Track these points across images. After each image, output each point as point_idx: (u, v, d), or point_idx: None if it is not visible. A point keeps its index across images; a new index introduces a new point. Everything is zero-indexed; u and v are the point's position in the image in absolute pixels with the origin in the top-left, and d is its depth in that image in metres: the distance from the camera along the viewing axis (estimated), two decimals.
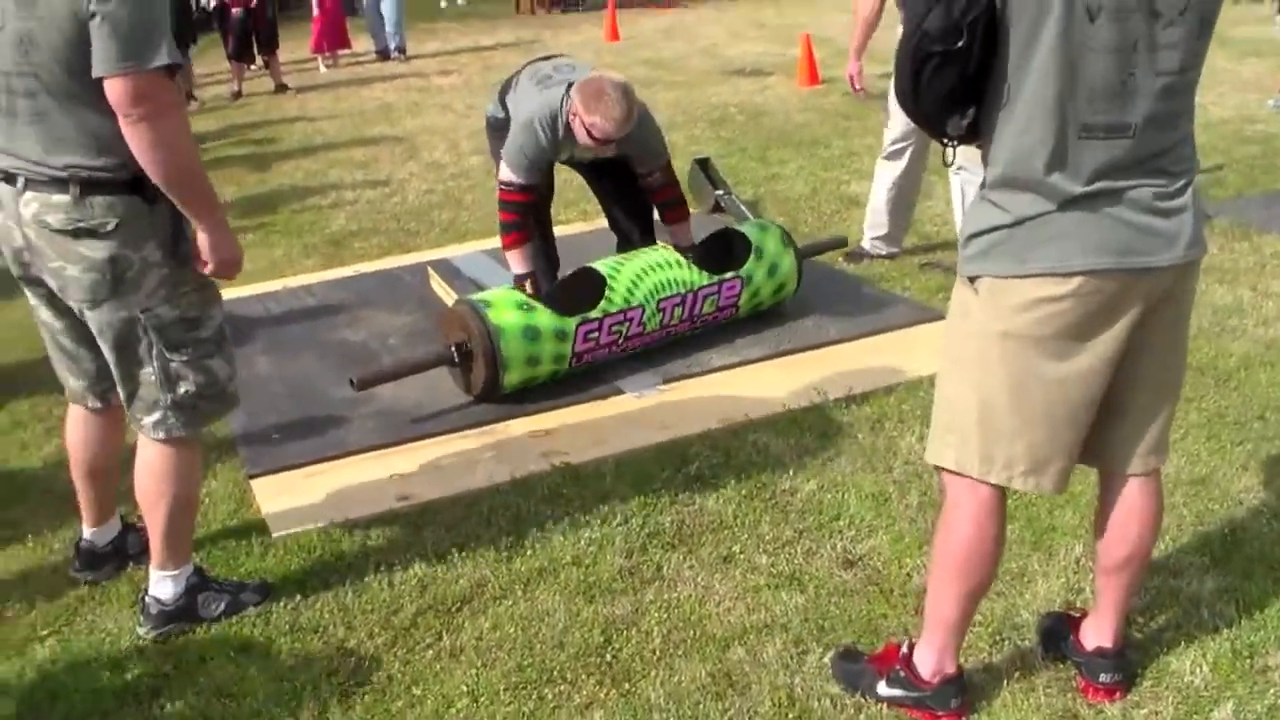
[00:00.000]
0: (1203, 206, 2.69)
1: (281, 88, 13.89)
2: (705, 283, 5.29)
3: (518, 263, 5.22)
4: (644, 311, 5.10)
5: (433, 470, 4.40)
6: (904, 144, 6.26)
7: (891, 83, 6.06)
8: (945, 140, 2.68)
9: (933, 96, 2.55)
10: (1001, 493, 2.79)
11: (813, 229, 7.17)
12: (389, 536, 3.95)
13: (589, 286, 5.09)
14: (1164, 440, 2.89)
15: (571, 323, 4.94)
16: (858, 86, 6.53)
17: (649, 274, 5.18)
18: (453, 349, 4.90)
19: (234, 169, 9.90)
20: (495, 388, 4.86)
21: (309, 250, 7.37)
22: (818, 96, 11.70)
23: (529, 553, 3.81)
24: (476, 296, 5.06)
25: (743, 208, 7.22)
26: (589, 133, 4.97)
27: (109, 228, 3.06)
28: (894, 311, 5.75)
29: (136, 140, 2.92)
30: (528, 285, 5.16)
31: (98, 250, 3.08)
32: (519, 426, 4.74)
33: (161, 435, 3.33)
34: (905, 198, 6.47)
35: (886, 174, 6.44)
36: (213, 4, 13.80)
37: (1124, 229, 2.53)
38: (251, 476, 4.42)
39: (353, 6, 17.34)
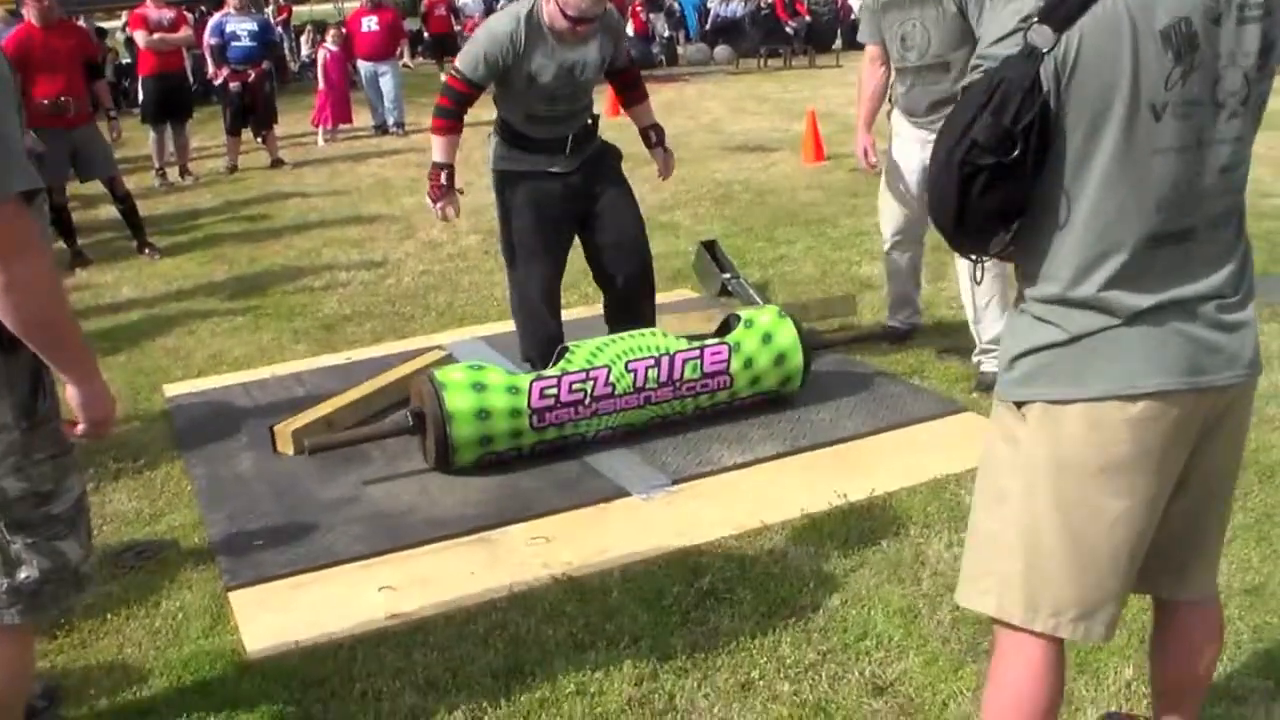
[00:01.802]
0: None
1: (277, 163, 13.72)
2: (681, 347, 5.06)
3: (440, 151, 5.37)
4: (610, 371, 4.88)
5: (424, 583, 4.08)
6: (902, 235, 6.08)
7: (884, 178, 6.21)
8: (980, 260, 2.41)
9: (981, 215, 2.27)
10: (1059, 641, 2.47)
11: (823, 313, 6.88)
12: (377, 659, 3.63)
13: (555, 360, 5.07)
14: (1218, 560, 2.66)
15: (527, 379, 4.81)
16: (871, 161, 6.22)
17: (618, 342, 5.05)
18: (409, 418, 4.89)
19: (226, 247, 9.67)
20: (448, 467, 4.80)
21: (299, 335, 7.09)
22: (823, 173, 11.48)
23: (529, 680, 3.48)
24: (438, 373, 4.87)
25: (751, 291, 6.99)
26: (561, 10, 4.88)
27: None
28: (913, 403, 5.46)
29: None
30: (443, 176, 5.34)
31: None
32: (518, 533, 4.41)
33: None
34: (919, 276, 6.35)
35: (896, 263, 6.22)
36: (217, 79, 13.60)
37: (1191, 345, 2.26)
38: (230, 589, 4.09)
39: (353, 80, 17.20)
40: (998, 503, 2.47)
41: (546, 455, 4.95)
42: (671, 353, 5.02)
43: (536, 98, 5.15)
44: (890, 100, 6.03)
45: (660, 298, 5.83)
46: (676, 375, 5.01)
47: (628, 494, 4.69)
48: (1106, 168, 2.19)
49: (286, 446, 5.15)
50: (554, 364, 5.01)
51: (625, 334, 5.14)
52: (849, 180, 10.97)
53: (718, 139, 13.81)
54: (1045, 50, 2.15)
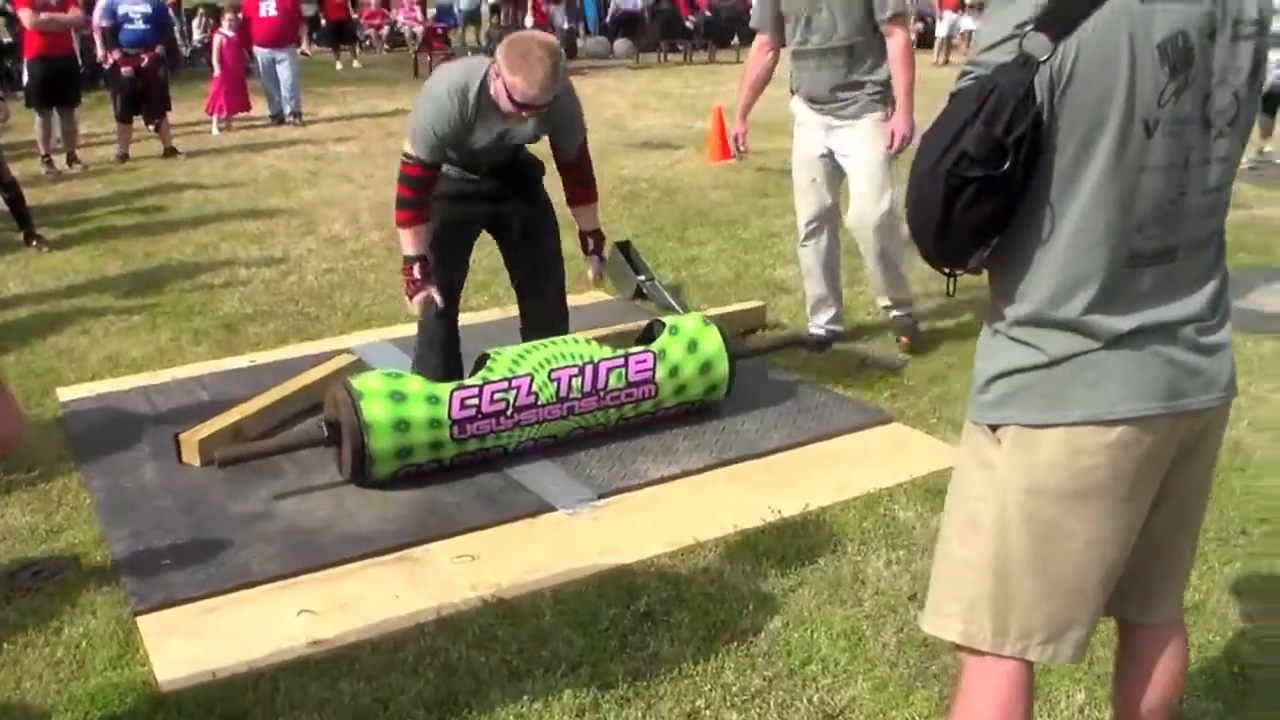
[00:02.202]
0: None
1: (171, 151, 13.29)
2: (605, 355, 4.91)
3: (411, 243, 4.91)
4: (533, 380, 4.72)
5: (346, 606, 3.88)
6: (817, 223, 6.12)
7: (794, 170, 6.21)
8: (953, 273, 2.30)
9: (964, 230, 2.16)
10: (1029, 666, 2.38)
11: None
12: (300, 690, 3.42)
13: (475, 368, 4.87)
14: (1186, 582, 2.62)
15: (446, 388, 4.62)
16: (741, 148, 6.40)
17: (541, 349, 4.88)
18: (323, 428, 4.72)
19: (119, 240, 9.29)
20: (365, 480, 4.61)
21: (199, 336, 6.80)
22: (731, 172, 11.38)
23: (464, 711, 3.31)
24: (354, 381, 4.65)
25: (666, 295, 6.87)
26: (509, 95, 4.58)
27: None
28: (838, 414, 5.36)
29: None
30: (416, 269, 4.90)
31: None
32: (441, 551, 4.22)
33: None
34: (837, 270, 6.32)
35: (812, 256, 6.20)
36: (107, 62, 13.13)
37: (1170, 369, 2.19)
38: (138, 613, 3.85)
39: (248, 67, 16.76)
40: (969, 528, 2.36)
41: (466, 467, 4.77)
42: (595, 361, 4.87)
43: (463, 153, 4.93)
44: (791, 90, 6.06)
45: (573, 300, 5.66)
46: (601, 384, 4.86)
47: (553, 509, 4.52)
48: (1095, 183, 2.09)
49: (192, 457, 4.92)
50: (475, 372, 4.82)
51: (547, 341, 4.98)
52: (757, 180, 10.90)
53: (621, 135, 13.64)
54: (1041, 59, 2.04)
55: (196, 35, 24.47)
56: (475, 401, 4.62)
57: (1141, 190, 2.09)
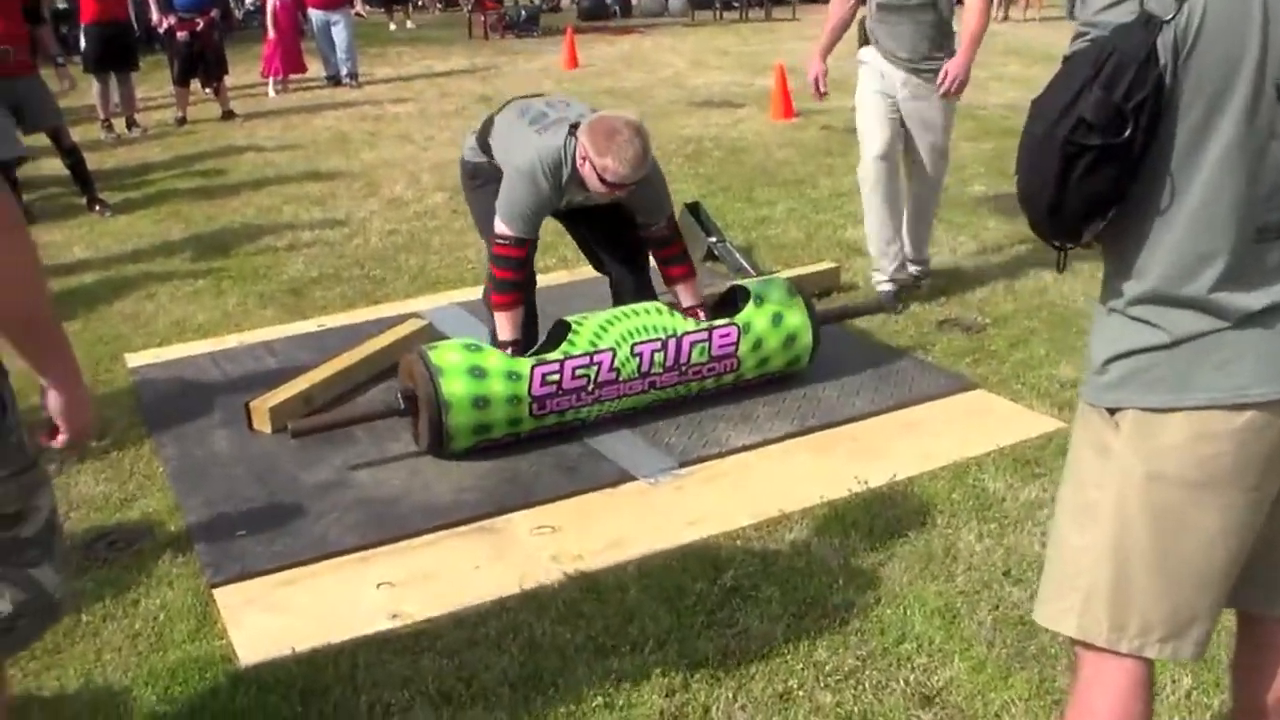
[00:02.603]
0: None
1: (228, 114, 13.25)
2: (690, 328, 4.77)
3: (507, 328, 4.69)
4: (615, 355, 4.59)
5: (426, 578, 3.79)
6: (886, 161, 6.05)
7: (862, 103, 6.10)
8: (1064, 248, 2.17)
9: (1080, 201, 2.02)
10: (1147, 663, 2.24)
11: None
12: (382, 666, 3.34)
13: (554, 339, 4.71)
14: None
15: (527, 364, 4.49)
16: (822, 89, 6.23)
17: (624, 319, 4.72)
18: (399, 399, 4.63)
19: (180, 203, 9.26)
20: (441, 454, 4.53)
21: (266, 299, 6.74)
22: (795, 130, 11.21)
23: (550, 691, 3.22)
24: (433, 354, 4.51)
25: (738, 256, 6.74)
26: (600, 177, 4.43)
27: None
28: (922, 380, 5.22)
29: None
30: (509, 351, 4.64)
31: None
32: (521, 521, 4.13)
33: None
34: (901, 207, 6.27)
35: (878, 193, 6.13)
36: (162, 26, 13.08)
37: None
38: (214, 585, 3.79)
39: (303, 29, 16.67)
40: (1085, 516, 2.23)
41: (543, 437, 4.67)
42: (679, 334, 4.74)
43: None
44: (863, 43, 6.06)
45: None
46: (683, 359, 4.74)
47: (633, 478, 4.42)
48: (1222, 152, 1.94)
49: (263, 424, 4.85)
50: (551, 341, 4.72)
51: (629, 310, 4.83)
52: (822, 138, 10.73)
53: (681, 94, 13.46)
54: (1165, 19, 1.90)
55: None
56: (556, 378, 4.52)
57: (1271, 159, 1.95)
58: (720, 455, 4.59)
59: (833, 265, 6.70)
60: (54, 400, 2.32)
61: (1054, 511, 2.35)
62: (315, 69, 16.00)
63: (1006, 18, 23.41)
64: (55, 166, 9.64)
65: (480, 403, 4.41)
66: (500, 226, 4.62)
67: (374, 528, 4.10)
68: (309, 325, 6.23)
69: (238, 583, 3.80)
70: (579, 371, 4.54)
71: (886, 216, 6.14)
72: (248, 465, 4.61)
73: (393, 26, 23.65)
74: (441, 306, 6.32)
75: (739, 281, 5.22)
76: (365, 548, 3.99)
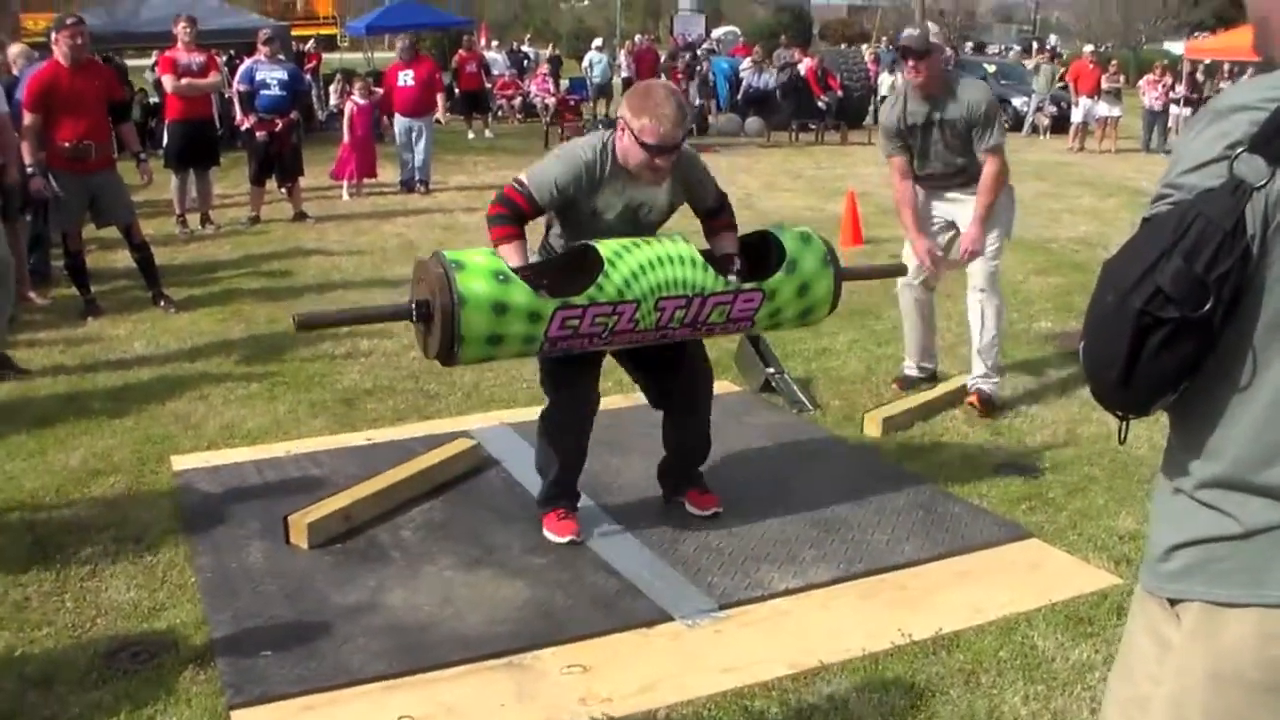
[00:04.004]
0: None
1: (301, 216, 13.40)
2: (719, 289, 4.64)
3: (515, 256, 4.54)
4: (638, 308, 4.48)
5: (449, 713, 3.68)
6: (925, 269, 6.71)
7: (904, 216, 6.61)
8: (1127, 418, 2.02)
9: (1153, 375, 1.87)
10: None
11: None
12: None
13: (582, 269, 4.55)
14: None
15: (550, 305, 4.37)
16: (937, 256, 6.69)
17: (656, 268, 4.52)
18: (413, 306, 4.49)
19: (244, 303, 9.33)
20: (449, 359, 4.44)
21: (317, 408, 6.71)
22: (864, 258, 11.12)
23: None
24: (452, 255, 4.43)
25: (795, 389, 6.67)
26: (640, 141, 4.43)
27: None
28: (975, 526, 5.08)
29: None
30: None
31: None
32: (551, 659, 4.01)
33: None
34: (932, 313, 7.12)
35: (911, 297, 6.91)
36: (244, 125, 13.32)
37: None
38: (233, 706, 3.69)
39: (379, 133, 16.88)
40: (1137, 711, 2.07)
41: (579, 568, 4.57)
42: (706, 295, 4.60)
43: (594, 233, 4.70)
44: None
45: None
46: (701, 318, 4.65)
47: (671, 618, 4.29)
48: None
49: (300, 539, 4.79)
50: (579, 260, 4.62)
51: (666, 252, 4.60)
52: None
53: (753, 215, 13.39)
54: (1257, 185, 1.78)
55: (333, 100, 24.90)
56: (575, 323, 4.43)
57: None
58: (762, 599, 4.45)
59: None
60: None
61: (1103, 699, 2.21)
62: (389, 174, 16.18)
63: (1081, 148, 23.41)
64: (125, 260, 9.77)
65: (499, 309, 4.31)
66: (526, 178, 4.63)
67: (401, 656, 3.99)
68: (358, 438, 6.18)
69: (258, 705, 3.71)
70: (599, 319, 4.45)
71: (916, 314, 7.00)
72: (280, 582, 4.53)
73: (471, 134, 23.96)
74: (492, 427, 6.25)
75: (777, 231, 5.05)
76: (390, 676, 3.88)
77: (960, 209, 6.58)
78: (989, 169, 6.34)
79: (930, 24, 6.72)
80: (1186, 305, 1.80)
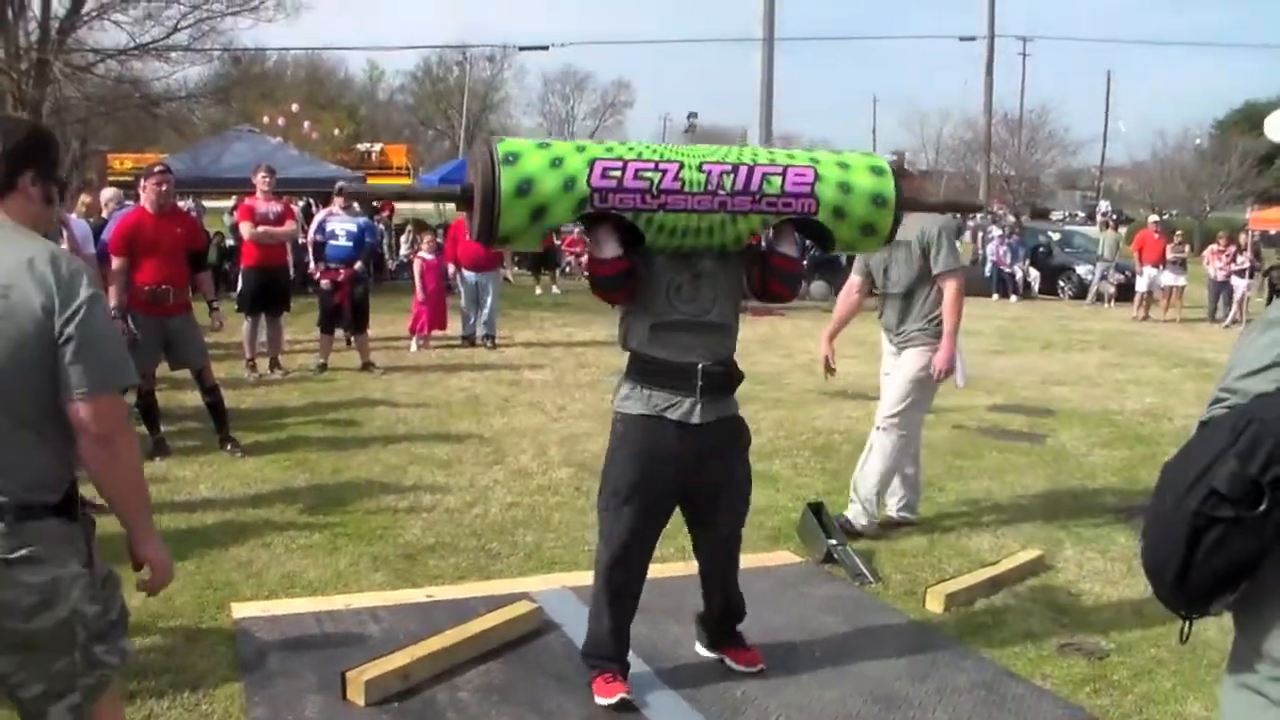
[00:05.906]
0: None
1: (368, 365, 13.58)
2: (762, 160, 4.70)
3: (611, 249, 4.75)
4: (681, 166, 4.53)
5: None
6: (898, 419, 7.43)
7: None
8: (1189, 617, 2.02)
9: (1209, 574, 1.89)
10: None
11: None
12: None
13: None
14: None
15: (585, 161, 4.51)
16: (832, 367, 7.88)
17: (690, 151, 4.71)
18: (461, 189, 4.74)
19: (309, 451, 9.41)
20: (490, 215, 4.47)
21: (378, 562, 6.73)
22: (926, 430, 11.08)
23: None
24: (505, 147, 4.52)
25: (857, 561, 6.63)
26: None
27: (41, 555, 3.04)
28: (1037, 710, 4.97)
29: (102, 459, 3.09)
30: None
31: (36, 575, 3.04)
32: None
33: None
34: (916, 459, 7.80)
35: (888, 439, 7.45)
36: (317, 274, 13.62)
37: None
38: None
39: (448, 284, 17.12)
40: None
41: None
42: (751, 165, 4.66)
43: (656, 290, 4.83)
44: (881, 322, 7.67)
45: (760, 559, 5.44)
46: (756, 187, 4.63)
47: None
48: None
49: (357, 696, 4.77)
50: None
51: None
52: (952, 439, 10.64)
53: (815, 381, 13.40)
54: None
55: (404, 250, 25.35)
56: (618, 174, 4.48)
57: None
58: None
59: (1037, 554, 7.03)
60: (147, 553, 3.42)
61: None
62: (453, 326, 16.40)
63: (1146, 317, 23.39)
64: (194, 399, 9.97)
65: (542, 146, 4.51)
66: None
67: None
68: (418, 594, 6.17)
69: None
70: (642, 173, 4.49)
71: (897, 456, 7.55)
72: None
73: (538, 290, 24.28)
74: (553, 589, 6.23)
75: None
76: None
77: (895, 361, 7.49)
78: (948, 291, 7.17)
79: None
80: (1241, 505, 1.82)
